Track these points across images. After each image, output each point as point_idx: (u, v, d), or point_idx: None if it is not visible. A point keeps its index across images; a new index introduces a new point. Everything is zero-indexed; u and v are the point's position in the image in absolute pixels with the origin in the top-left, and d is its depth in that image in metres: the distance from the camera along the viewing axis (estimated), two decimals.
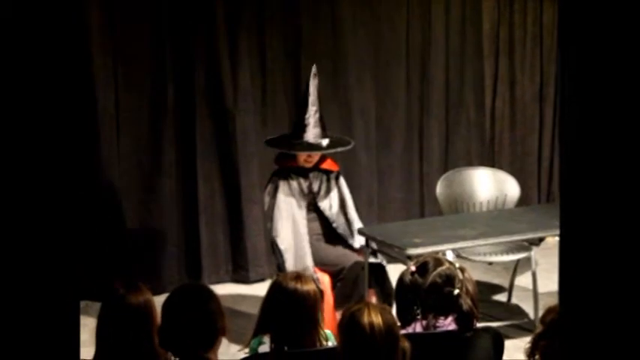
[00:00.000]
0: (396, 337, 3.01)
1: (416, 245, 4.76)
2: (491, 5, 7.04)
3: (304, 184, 5.24)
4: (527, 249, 5.50)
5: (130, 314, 3.19)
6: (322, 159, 5.28)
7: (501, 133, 7.23)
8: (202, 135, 6.21)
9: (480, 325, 3.48)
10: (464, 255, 5.33)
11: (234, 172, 6.30)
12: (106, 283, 3.53)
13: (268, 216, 5.22)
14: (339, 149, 5.27)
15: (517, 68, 7.19)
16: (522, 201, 6.25)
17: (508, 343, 3.65)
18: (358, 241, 5.22)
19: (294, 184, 5.21)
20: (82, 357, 2.44)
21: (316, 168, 5.27)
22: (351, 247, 5.24)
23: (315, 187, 5.26)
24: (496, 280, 6.25)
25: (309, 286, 3.56)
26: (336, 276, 5.11)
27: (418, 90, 6.92)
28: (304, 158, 5.20)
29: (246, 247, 6.36)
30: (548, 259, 6.15)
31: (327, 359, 3.30)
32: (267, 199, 5.23)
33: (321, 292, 4.66)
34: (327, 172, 5.32)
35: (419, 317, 3.40)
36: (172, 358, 3.14)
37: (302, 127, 5.15)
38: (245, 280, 6.37)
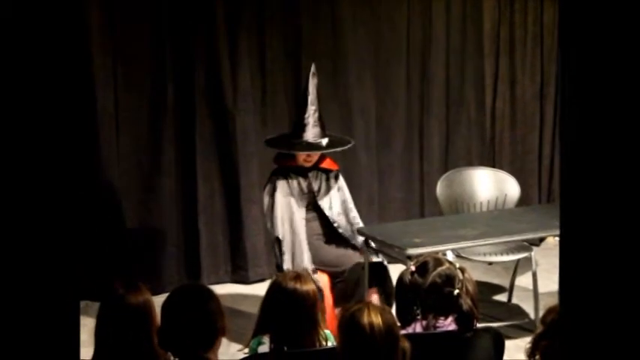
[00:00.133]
0: (396, 338, 3.00)
1: (416, 245, 4.76)
2: (492, 5, 7.03)
3: (304, 184, 5.23)
4: (528, 249, 5.50)
5: (129, 314, 3.19)
6: (321, 158, 5.27)
7: (502, 132, 7.22)
8: (202, 135, 6.21)
9: (480, 325, 3.48)
10: (464, 255, 5.33)
11: (234, 172, 6.30)
12: (106, 283, 3.52)
13: (267, 216, 5.22)
14: (339, 149, 5.27)
15: (518, 67, 7.18)
16: (523, 199, 6.25)
17: (509, 344, 3.65)
18: (360, 239, 5.22)
19: (293, 183, 5.20)
20: (81, 357, 2.43)
21: (315, 167, 5.26)
22: (352, 247, 5.23)
23: (315, 187, 5.26)
24: (496, 280, 6.24)
25: (309, 286, 3.56)
26: (336, 277, 5.11)
27: (418, 89, 6.91)
28: (303, 158, 5.20)
29: (245, 247, 6.36)
30: (548, 259, 6.15)
31: (326, 359, 3.30)
32: (266, 198, 5.22)
33: (321, 292, 4.68)
34: (327, 172, 5.31)
35: (419, 317, 3.41)
36: (172, 358, 3.14)
37: (301, 126, 5.14)
38: (244, 280, 6.37)
